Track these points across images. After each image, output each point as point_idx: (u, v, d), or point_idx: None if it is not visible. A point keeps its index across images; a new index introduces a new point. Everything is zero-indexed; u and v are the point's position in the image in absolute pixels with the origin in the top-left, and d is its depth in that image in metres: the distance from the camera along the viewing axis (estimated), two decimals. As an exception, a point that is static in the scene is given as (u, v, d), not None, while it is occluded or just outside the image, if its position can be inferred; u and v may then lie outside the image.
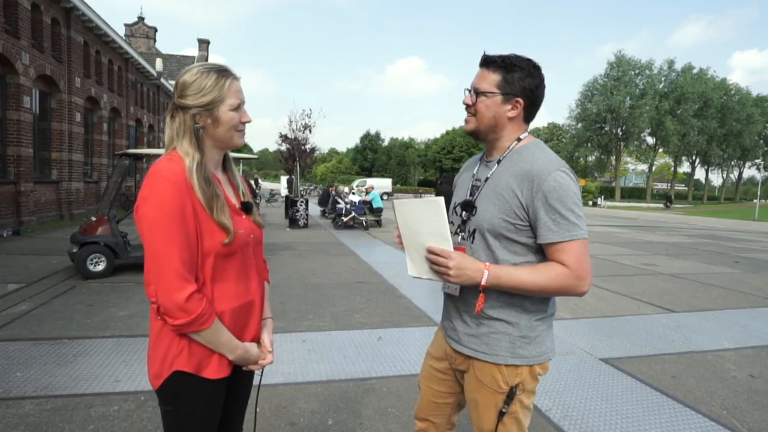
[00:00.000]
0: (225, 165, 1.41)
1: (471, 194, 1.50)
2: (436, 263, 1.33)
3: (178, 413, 1.28)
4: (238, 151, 1.49)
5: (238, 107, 1.29)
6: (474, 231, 1.44)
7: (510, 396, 1.40)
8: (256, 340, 1.40)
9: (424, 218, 1.36)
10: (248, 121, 1.34)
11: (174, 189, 1.17)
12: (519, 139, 1.45)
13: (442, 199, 1.33)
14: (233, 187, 1.40)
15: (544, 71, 1.43)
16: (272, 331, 1.47)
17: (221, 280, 1.27)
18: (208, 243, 1.22)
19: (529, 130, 1.49)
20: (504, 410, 1.41)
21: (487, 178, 1.45)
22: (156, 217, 1.15)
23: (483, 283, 1.31)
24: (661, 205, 46.80)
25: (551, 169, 1.32)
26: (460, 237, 1.48)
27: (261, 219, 1.46)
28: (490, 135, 1.46)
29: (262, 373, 1.49)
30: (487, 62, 1.42)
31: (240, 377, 1.40)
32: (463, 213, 1.48)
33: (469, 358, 1.47)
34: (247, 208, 1.39)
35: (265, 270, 1.52)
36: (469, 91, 1.45)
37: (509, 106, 1.41)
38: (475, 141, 1.64)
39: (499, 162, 1.44)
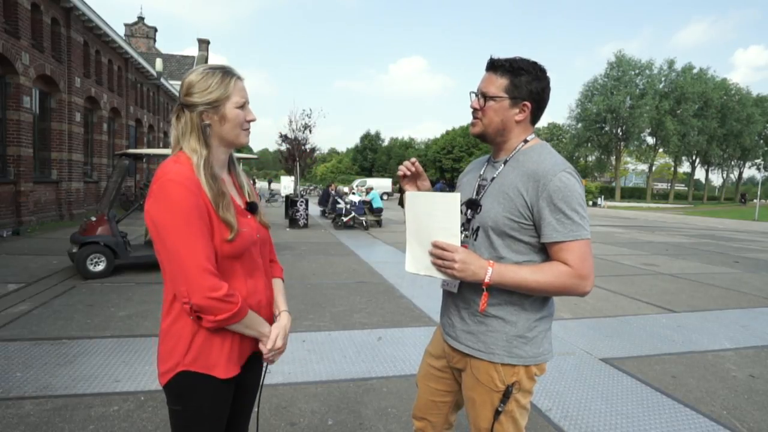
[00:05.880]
0: (229, 166, 1.41)
1: (477, 193, 1.51)
2: (441, 257, 1.32)
3: (186, 413, 1.27)
4: (238, 151, 1.51)
5: (243, 105, 1.31)
6: (477, 229, 1.45)
7: (506, 395, 1.41)
8: None
9: (436, 212, 1.35)
10: (253, 120, 1.35)
11: (185, 190, 1.17)
12: (526, 141, 1.46)
13: (458, 195, 1.33)
14: (237, 189, 1.41)
15: (547, 72, 1.44)
16: (286, 324, 1.43)
17: (229, 278, 1.26)
18: (216, 242, 1.22)
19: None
20: (500, 409, 1.42)
21: (493, 178, 1.46)
22: (173, 220, 1.14)
23: (487, 280, 1.31)
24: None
25: (557, 170, 1.33)
26: (463, 235, 1.48)
27: (266, 219, 1.46)
28: (498, 138, 1.47)
29: (265, 372, 1.49)
30: (495, 66, 1.42)
31: (247, 376, 1.39)
32: (468, 211, 1.49)
33: (467, 356, 1.48)
34: (252, 208, 1.39)
35: (277, 269, 1.54)
36: (476, 94, 1.46)
37: (517, 110, 1.42)
38: (476, 141, 1.65)
39: (505, 162, 1.46)
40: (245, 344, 1.33)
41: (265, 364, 1.45)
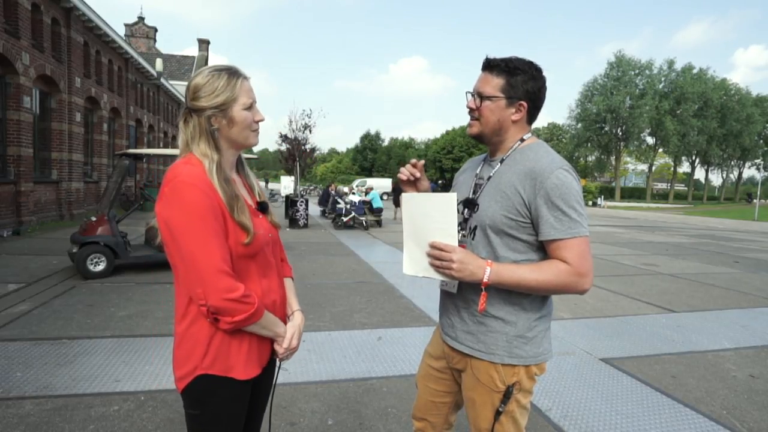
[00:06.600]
0: (238, 167, 1.41)
1: (474, 192, 1.50)
2: (438, 258, 1.32)
3: (205, 417, 1.26)
4: (239, 151, 1.52)
5: (250, 106, 1.30)
6: (475, 228, 1.45)
7: (507, 395, 1.41)
8: None
9: (433, 212, 1.35)
10: (261, 120, 1.34)
11: (199, 192, 1.16)
12: (522, 140, 1.46)
13: (455, 195, 1.33)
14: (248, 189, 1.41)
15: (545, 72, 1.44)
16: (300, 323, 1.43)
17: (244, 280, 1.25)
18: (231, 244, 1.21)
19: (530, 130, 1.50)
20: (501, 409, 1.42)
21: (490, 177, 1.46)
22: (188, 222, 1.13)
23: (485, 280, 1.31)
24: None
25: (554, 167, 1.33)
26: (460, 234, 1.48)
27: (277, 219, 1.46)
28: (494, 138, 1.47)
29: (278, 372, 1.48)
30: (490, 66, 1.42)
31: (261, 377, 1.38)
32: (465, 210, 1.49)
33: (467, 357, 1.48)
34: (263, 208, 1.39)
35: (287, 268, 1.53)
36: (473, 94, 1.46)
37: (513, 110, 1.42)
38: (476, 141, 1.64)
39: (502, 161, 1.45)
40: (263, 345, 1.33)
41: (278, 363, 1.45)
